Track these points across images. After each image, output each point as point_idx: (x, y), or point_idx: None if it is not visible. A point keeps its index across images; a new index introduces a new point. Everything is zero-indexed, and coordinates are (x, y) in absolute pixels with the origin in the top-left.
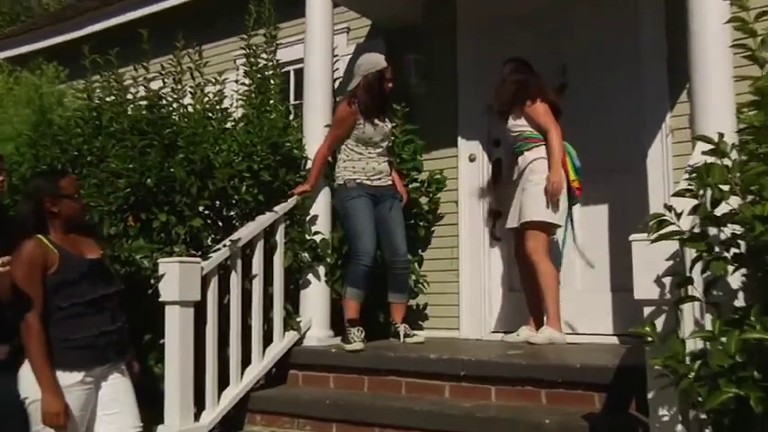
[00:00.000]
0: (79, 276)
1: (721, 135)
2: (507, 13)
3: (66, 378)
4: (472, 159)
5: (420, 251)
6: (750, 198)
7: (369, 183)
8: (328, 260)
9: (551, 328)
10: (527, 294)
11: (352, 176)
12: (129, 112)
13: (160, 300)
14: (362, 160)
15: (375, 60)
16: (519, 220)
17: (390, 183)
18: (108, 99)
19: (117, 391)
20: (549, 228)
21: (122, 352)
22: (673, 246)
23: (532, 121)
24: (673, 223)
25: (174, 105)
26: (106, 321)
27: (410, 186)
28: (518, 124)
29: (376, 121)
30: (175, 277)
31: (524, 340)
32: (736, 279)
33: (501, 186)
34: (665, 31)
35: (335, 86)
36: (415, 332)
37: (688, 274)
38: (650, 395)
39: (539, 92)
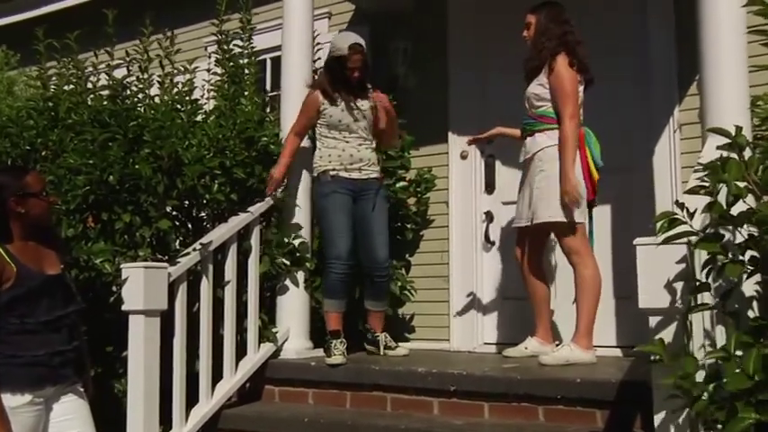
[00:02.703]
0: (36, 294)
1: (739, 128)
2: (503, 2)
3: (13, 400)
4: (464, 157)
5: (407, 256)
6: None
7: (346, 175)
8: (308, 265)
9: (576, 344)
10: (533, 302)
11: (327, 167)
12: (90, 103)
13: (123, 308)
14: (338, 147)
15: (338, 45)
16: (529, 219)
17: (375, 176)
18: (66, 88)
19: (72, 412)
20: (578, 224)
21: (80, 371)
22: (681, 250)
23: (553, 93)
24: (685, 222)
25: (140, 96)
26: (62, 340)
27: (397, 186)
28: (536, 92)
29: (340, 101)
30: (140, 284)
31: (532, 355)
32: (749, 286)
33: (495, 186)
34: (673, 16)
35: (316, 76)
36: (399, 344)
37: (701, 279)
38: (658, 417)
39: (567, 49)
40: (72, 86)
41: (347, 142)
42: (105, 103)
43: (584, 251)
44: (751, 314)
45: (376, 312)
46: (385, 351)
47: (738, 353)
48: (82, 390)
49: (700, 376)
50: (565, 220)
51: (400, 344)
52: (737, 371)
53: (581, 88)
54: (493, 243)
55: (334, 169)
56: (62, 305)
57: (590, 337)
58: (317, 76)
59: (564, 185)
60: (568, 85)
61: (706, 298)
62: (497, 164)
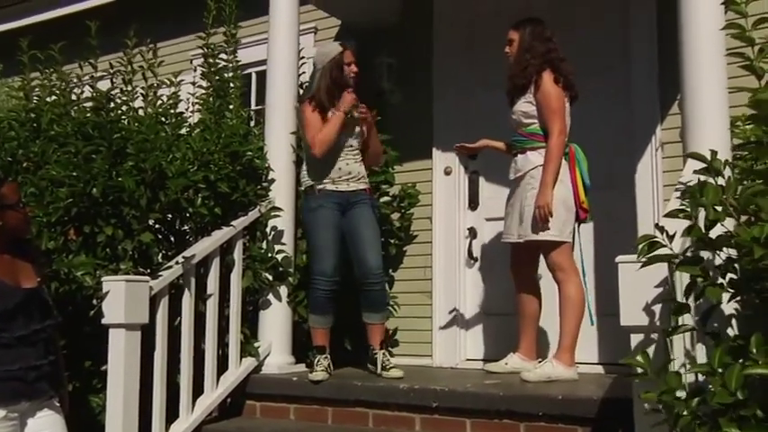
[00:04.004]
0: (11, 309)
1: (714, 153)
2: (487, 16)
3: None
4: (448, 172)
5: (390, 271)
6: (745, 219)
7: (333, 188)
8: (291, 280)
9: (558, 361)
10: (521, 317)
11: (314, 182)
12: (74, 115)
13: (103, 322)
14: (327, 161)
15: (327, 50)
16: (520, 236)
17: (363, 187)
18: (49, 99)
19: (47, 427)
20: (565, 241)
21: (56, 386)
22: (662, 270)
23: (540, 110)
24: (664, 245)
25: (124, 108)
26: (38, 354)
27: (381, 201)
28: (524, 110)
29: (332, 114)
30: (121, 297)
31: (513, 371)
32: (729, 307)
33: (478, 202)
34: (656, 37)
35: (301, 91)
36: (396, 364)
37: (682, 301)
38: None
39: (552, 66)
40: (55, 98)
41: (336, 155)
42: (89, 115)
43: (570, 269)
44: (731, 330)
45: (373, 325)
46: (381, 371)
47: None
48: (58, 404)
49: (681, 393)
50: (550, 239)
51: (396, 364)
52: (720, 384)
53: (567, 105)
54: (476, 259)
55: (322, 183)
56: (38, 319)
57: (572, 353)
58: (302, 91)
59: (539, 198)
60: (555, 101)
61: (686, 318)
62: (481, 180)
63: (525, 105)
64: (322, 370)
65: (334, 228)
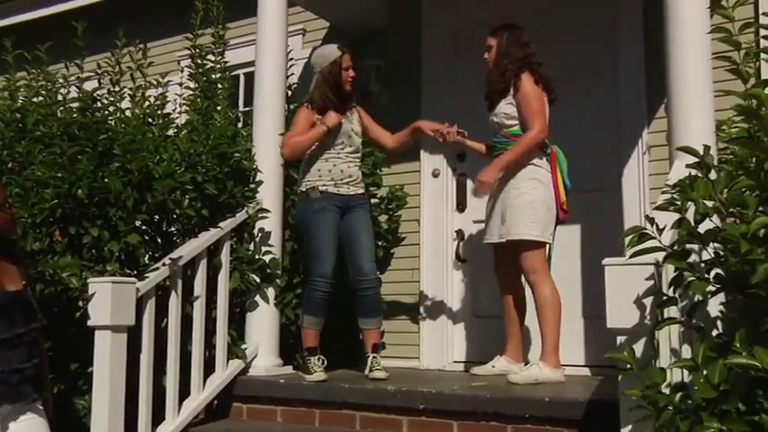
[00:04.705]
0: None
1: (707, 147)
2: (475, 20)
3: None
4: (436, 175)
5: (378, 273)
6: (732, 218)
7: (335, 191)
8: (278, 281)
9: (545, 363)
10: (506, 320)
11: (318, 182)
12: (60, 115)
13: (89, 324)
14: (329, 161)
15: (326, 53)
16: (502, 236)
17: (361, 191)
18: (35, 99)
19: (30, 431)
20: (542, 244)
21: (39, 389)
22: (649, 269)
23: (521, 111)
24: (654, 237)
25: (111, 109)
26: (21, 358)
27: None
28: (506, 112)
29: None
30: (107, 299)
31: (500, 374)
32: (714, 303)
33: (466, 204)
34: (643, 41)
35: (290, 92)
36: (383, 367)
37: (668, 295)
38: (624, 430)
39: (528, 65)
40: (41, 98)
41: (339, 158)
42: (75, 115)
43: (543, 271)
44: (715, 331)
45: (368, 330)
46: (368, 372)
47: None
48: (41, 408)
49: (666, 389)
50: (533, 239)
51: (383, 366)
52: (703, 379)
53: (547, 106)
54: (464, 261)
55: (324, 185)
56: (22, 322)
57: (557, 354)
58: (290, 92)
59: (482, 174)
60: (535, 102)
61: (673, 313)
62: (469, 182)
63: (507, 107)
64: (321, 371)
65: (335, 230)
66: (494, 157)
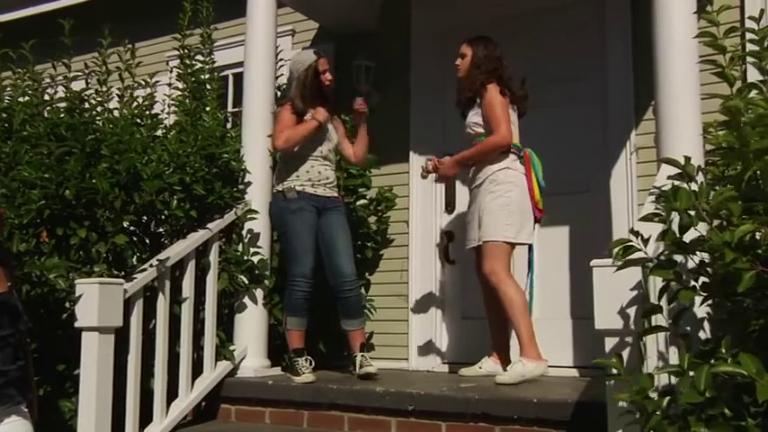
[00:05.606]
0: None
1: (688, 158)
2: (464, 22)
3: None
4: (424, 176)
5: (367, 274)
6: (717, 223)
7: (312, 191)
8: (267, 283)
9: (526, 359)
10: (490, 322)
11: (295, 182)
12: (46, 115)
13: (76, 325)
14: (307, 162)
15: (302, 59)
16: (479, 239)
17: (336, 195)
18: (21, 99)
19: None
20: (510, 246)
21: (24, 391)
22: (636, 273)
23: (485, 119)
24: (639, 249)
25: (99, 109)
26: (6, 360)
27: (357, 204)
28: (475, 121)
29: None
30: (94, 300)
31: (487, 375)
32: (701, 310)
33: (455, 205)
34: (631, 43)
35: (279, 93)
36: (372, 364)
37: (655, 302)
38: None
39: (497, 77)
40: (27, 98)
41: (315, 160)
42: (62, 115)
43: (504, 272)
44: (702, 333)
45: (353, 331)
46: (357, 370)
47: (690, 372)
48: (26, 410)
49: (654, 394)
50: (508, 241)
51: (372, 362)
52: (689, 384)
53: (515, 116)
54: (452, 262)
55: (301, 185)
56: (7, 325)
57: (535, 346)
58: (279, 93)
59: (444, 164)
60: (500, 110)
61: (660, 320)
62: (457, 183)
63: (476, 117)
64: (309, 372)
65: (313, 230)
66: (470, 165)
